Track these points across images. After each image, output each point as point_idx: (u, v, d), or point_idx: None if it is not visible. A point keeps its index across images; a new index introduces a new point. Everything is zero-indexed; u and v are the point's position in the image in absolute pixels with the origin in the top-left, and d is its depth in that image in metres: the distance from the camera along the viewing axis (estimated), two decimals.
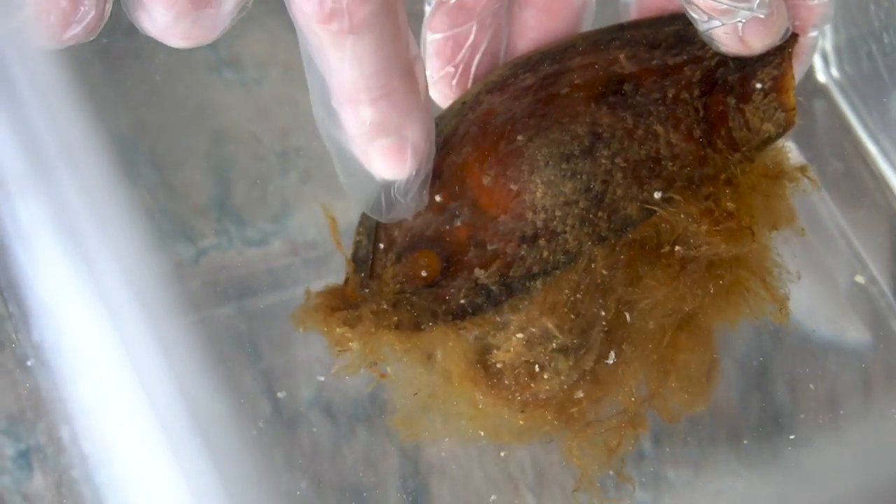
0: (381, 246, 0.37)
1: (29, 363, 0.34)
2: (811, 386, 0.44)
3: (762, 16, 0.34)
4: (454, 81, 0.39)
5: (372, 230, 0.37)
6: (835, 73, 0.46)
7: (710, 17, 0.35)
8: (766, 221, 0.36)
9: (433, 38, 0.39)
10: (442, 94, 0.39)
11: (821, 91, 0.46)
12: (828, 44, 0.45)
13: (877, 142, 0.46)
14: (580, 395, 0.36)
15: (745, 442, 0.42)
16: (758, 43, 0.35)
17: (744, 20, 0.35)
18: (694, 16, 0.35)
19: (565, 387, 0.35)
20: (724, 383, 0.43)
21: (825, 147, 0.46)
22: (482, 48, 0.40)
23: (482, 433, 0.37)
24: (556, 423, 0.36)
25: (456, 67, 0.40)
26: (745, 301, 0.36)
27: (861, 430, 0.41)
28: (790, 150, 0.38)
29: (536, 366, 0.35)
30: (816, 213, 0.45)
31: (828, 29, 0.46)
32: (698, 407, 0.37)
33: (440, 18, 0.39)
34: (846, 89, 0.46)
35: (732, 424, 0.42)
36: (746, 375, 0.44)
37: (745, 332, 0.44)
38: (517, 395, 0.35)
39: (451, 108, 0.38)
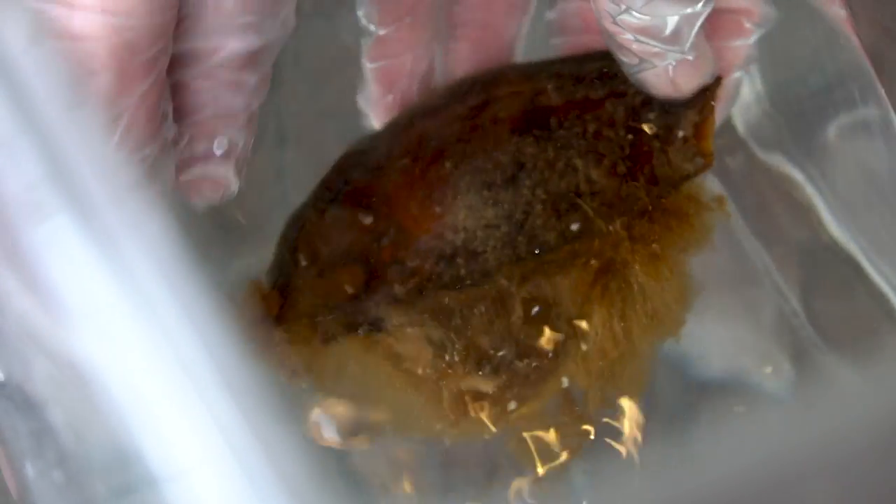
0: (303, 262, 0.37)
1: None
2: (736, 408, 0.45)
3: (690, 58, 0.35)
4: (392, 110, 0.40)
5: (292, 245, 0.38)
6: (753, 112, 0.48)
7: (641, 61, 0.35)
8: (681, 248, 0.37)
9: (373, 67, 0.40)
10: (380, 120, 0.40)
11: (737, 124, 0.48)
12: (750, 86, 0.47)
13: (798, 171, 0.47)
14: (512, 404, 0.37)
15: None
16: (687, 85, 0.36)
17: (673, 63, 0.35)
18: (624, 59, 0.35)
19: (490, 391, 0.36)
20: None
21: (741, 179, 0.47)
22: (419, 76, 0.41)
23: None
24: (489, 430, 0.37)
25: (394, 97, 0.41)
26: (653, 319, 0.37)
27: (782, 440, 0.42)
28: (709, 184, 0.39)
29: (457, 372, 0.36)
30: (740, 247, 0.47)
31: (755, 70, 0.47)
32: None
33: (378, 48, 0.40)
34: (763, 125, 0.48)
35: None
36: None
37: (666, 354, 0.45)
38: (442, 402, 0.36)
39: (385, 129, 0.39)
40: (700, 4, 0.34)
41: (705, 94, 0.36)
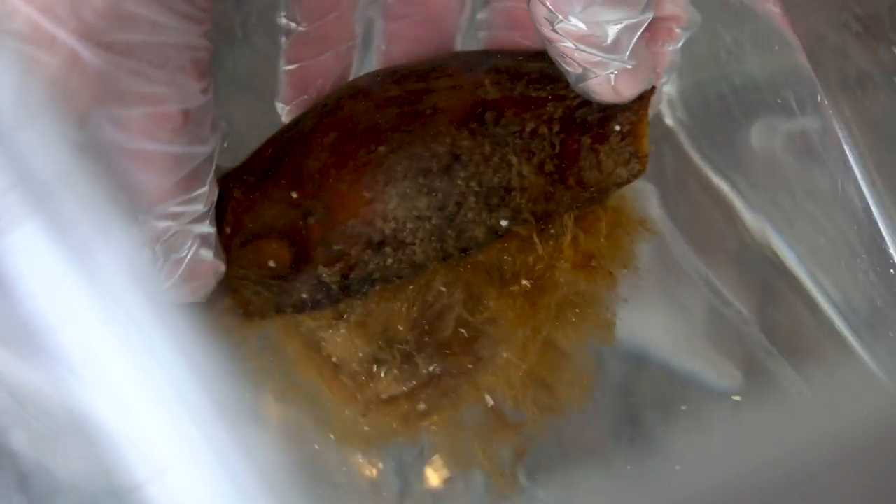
0: (228, 230, 0.36)
1: None
2: (682, 407, 0.44)
3: (630, 66, 0.35)
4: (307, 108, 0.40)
5: (217, 212, 0.36)
6: (681, 115, 0.48)
7: (584, 69, 0.35)
8: (610, 260, 0.37)
9: (289, 69, 0.40)
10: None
11: (669, 134, 0.47)
12: (673, 88, 0.47)
13: (728, 180, 0.47)
14: (423, 406, 0.36)
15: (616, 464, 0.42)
16: (628, 91, 0.36)
17: (615, 71, 0.35)
18: (567, 69, 0.35)
19: (403, 389, 0.35)
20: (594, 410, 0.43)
21: (676, 190, 0.47)
22: (335, 77, 0.41)
23: (332, 436, 0.36)
24: (400, 430, 0.35)
25: (309, 96, 0.40)
26: (580, 326, 0.36)
27: (729, 441, 0.41)
28: (642, 194, 0.39)
29: (374, 366, 0.35)
30: (672, 256, 0.46)
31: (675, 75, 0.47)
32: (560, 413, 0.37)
33: (296, 49, 0.40)
34: (693, 131, 0.47)
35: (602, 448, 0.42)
36: (615, 401, 0.44)
37: (612, 364, 0.44)
38: (356, 393, 0.35)
39: (312, 108, 0.38)
40: (640, 12, 0.33)
41: (641, 99, 0.36)
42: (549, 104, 0.36)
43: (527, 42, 0.40)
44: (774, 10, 0.44)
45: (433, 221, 0.35)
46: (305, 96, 0.40)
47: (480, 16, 0.40)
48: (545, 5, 0.33)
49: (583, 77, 0.35)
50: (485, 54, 0.38)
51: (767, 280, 0.46)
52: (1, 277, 0.24)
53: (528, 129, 0.36)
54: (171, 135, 0.33)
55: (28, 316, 0.26)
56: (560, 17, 0.33)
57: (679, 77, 0.47)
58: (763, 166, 0.46)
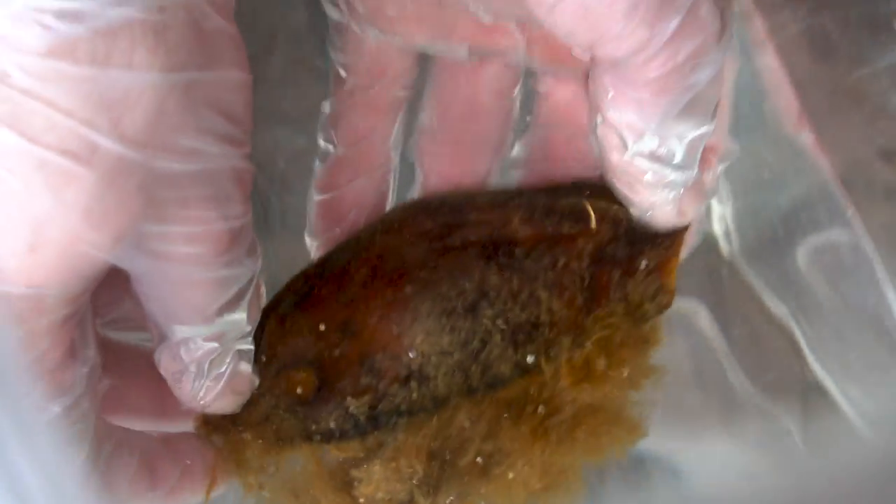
0: (263, 359, 0.37)
1: None
2: None
3: (692, 184, 0.35)
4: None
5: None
6: (735, 241, 0.48)
7: (651, 205, 0.35)
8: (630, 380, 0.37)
9: (320, 199, 0.40)
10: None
11: (724, 261, 0.48)
12: (728, 212, 0.47)
13: (783, 302, 0.46)
14: None
15: None
16: (692, 210, 0.36)
17: (681, 191, 0.35)
18: (631, 196, 0.35)
19: None
20: None
21: (732, 311, 0.47)
22: (368, 208, 0.40)
23: None
24: None
25: (342, 229, 0.40)
26: (607, 442, 0.36)
27: None
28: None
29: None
30: (726, 379, 0.46)
31: (726, 199, 0.47)
32: None
33: (330, 174, 0.40)
34: (747, 254, 0.47)
35: None
36: None
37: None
38: None
39: (346, 242, 0.39)
40: (710, 122, 0.33)
41: (673, 232, 0.36)
42: (581, 240, 0.37)
43: (560, 173, 0.40)
44: (809, 136, 0.44)
45: (455, 357, 0.36)
46: (338, 229, 0.40)
47: (515, 153, 0.41)
48: (617, 132, 0.33)
49: (653, 209, 0.35)
50: (514, 191, 0.39)
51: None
52: None
53: (560, 264, 0.36)
54: (217, 255, 0.32)
55: None
56: (632, 140, 0.33)
57: (731, 199, 0.47)
58: (805, 285, 0.46)
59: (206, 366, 0.34)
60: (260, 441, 0.37)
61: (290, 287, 0.39)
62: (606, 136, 0.34)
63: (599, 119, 0.34)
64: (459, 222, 0.38)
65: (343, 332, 0.37)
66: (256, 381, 0.36)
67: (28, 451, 0.27)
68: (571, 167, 0.39)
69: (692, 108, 0.32)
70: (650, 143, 0.33)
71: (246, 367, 0.35)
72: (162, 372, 0.34)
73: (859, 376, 0.44)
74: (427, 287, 0.36)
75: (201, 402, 0.35)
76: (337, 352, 0.37)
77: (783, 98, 0.44)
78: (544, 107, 0.40)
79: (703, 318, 0.46)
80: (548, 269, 0.36)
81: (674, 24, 0.30)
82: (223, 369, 0.34)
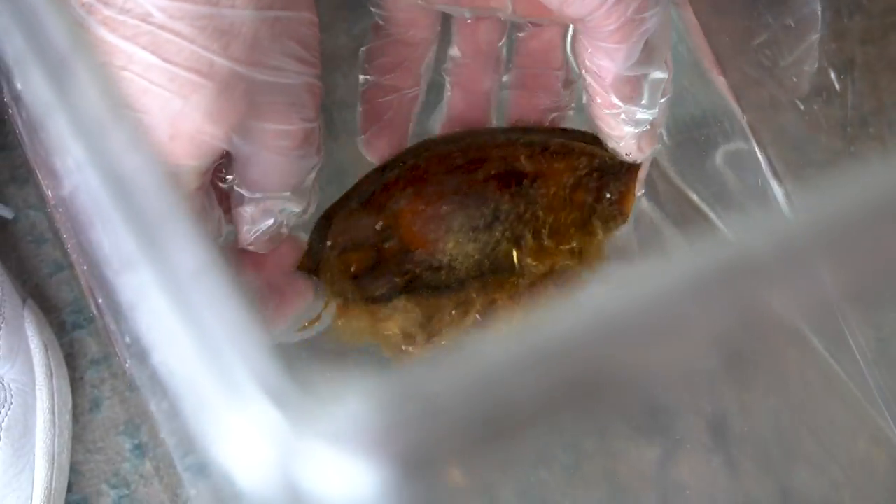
0: (329, 243, 0.47)
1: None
2: None
3: (647, 127, 0.43)
4: (385, 151, 0.47)
5: (322, 234, 0.47)
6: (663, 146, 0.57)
7: (623, 137, 0.44)
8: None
9: (361, 109, 0.46)
10: (376, 159, 0.47)
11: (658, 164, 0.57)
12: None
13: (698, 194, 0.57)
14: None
15: None
16: (648, 148, 0.45)
17: (645, 128, 0.43)
18: (609, 132, 0.44)
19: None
20: None
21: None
22: (406, 109, 0.46)
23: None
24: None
25: (380, 127, 0.46)
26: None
27: None
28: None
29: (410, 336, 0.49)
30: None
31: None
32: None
33: (369, 94, 0.46)
34: (672, 156, 0.58)
35: None
36: None
37: None
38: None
39: (398, 158, 0.47)
40: (661, 72, 0.41)
41: (630, 166, 0.47)
42: (567, 174, 0.47)
43: (533, 97, 0.48)
44: (720, 77, 0.54)
45: (475, 258, 0.48)
46: (376, 126, 0.46)
47: (505, 78, 0.48)
48: (597, 78, 0.41)
49: (623, 140, 0.44)
50: (521, 129, 0.49)
51: None
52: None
53: (551, 191, 0.48)
54: (294, 148, 0.39)
55: None
56: (608, 81, 0.41)
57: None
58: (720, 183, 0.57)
59: (263, 216, 0.41)
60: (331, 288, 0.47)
61: (353, 190, 0.47)
62: (591, 84, 0.42)
63: (584, 71, 0.42)
64: (483, 157, 0.47)
65: (393, 230, 0.47)
66: (303, 243, 0.45)
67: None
68: (540, 94, 0.48)
69: (649, 55, 0.41)
70: (623, 88, 0.41)
71: (285, 230, 0.42)
72: (236, 216, 0.41)
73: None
74: (459, 208, 0.47)
75: (248, 236, 0.41)
76: (387, 244, 0.47)
77: (696, 41, 0.55)
78: (523, 49, 0.48)
79: (643, 203, 0.57)
80: (544, 196, 0.47)
81: None
82: (271, 222, 0.41)
